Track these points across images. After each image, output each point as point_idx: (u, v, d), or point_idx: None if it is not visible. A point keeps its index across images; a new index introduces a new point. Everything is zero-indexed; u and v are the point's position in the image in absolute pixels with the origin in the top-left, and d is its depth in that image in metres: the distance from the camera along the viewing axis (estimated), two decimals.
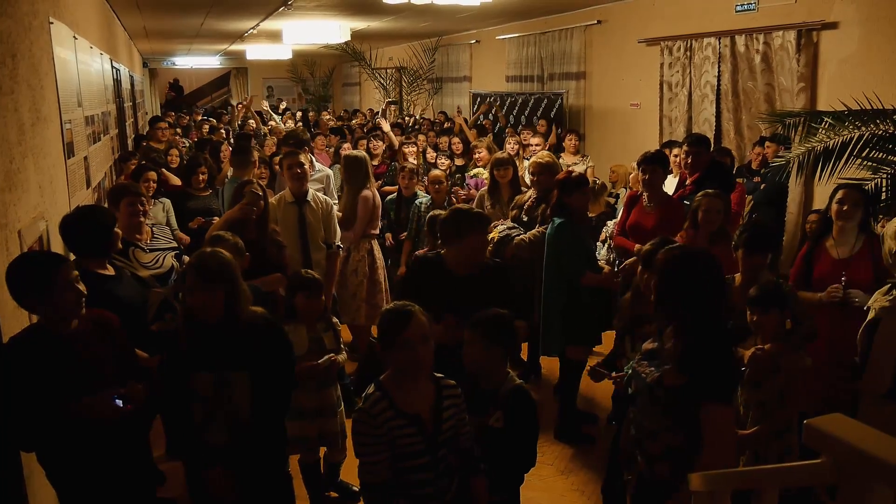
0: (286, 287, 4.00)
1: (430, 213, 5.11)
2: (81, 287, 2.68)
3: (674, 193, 5.39)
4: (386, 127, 8.94)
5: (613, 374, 3.45)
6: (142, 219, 4.02)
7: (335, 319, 3.99)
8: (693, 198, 4.70)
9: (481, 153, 7.38)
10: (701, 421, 2.52)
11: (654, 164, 4.79)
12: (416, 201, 6.04)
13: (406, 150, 7.69)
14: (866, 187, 4.64)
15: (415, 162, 7.36)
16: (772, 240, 3.74)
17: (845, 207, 3.88)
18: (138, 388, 2.73)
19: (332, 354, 3.72)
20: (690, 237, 4.32)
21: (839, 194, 3.94)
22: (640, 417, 2.77)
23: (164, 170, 6.57)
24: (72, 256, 3.35)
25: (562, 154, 8.32)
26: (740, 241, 3.69)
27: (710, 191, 4.43)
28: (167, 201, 5.79)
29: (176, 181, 6.49)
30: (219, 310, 2.80)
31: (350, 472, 4.06)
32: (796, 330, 3.44)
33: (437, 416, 2.63)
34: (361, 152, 6.15)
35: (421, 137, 9.55)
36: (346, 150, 7.64)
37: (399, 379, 2.61)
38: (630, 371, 2.90)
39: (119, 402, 2.65)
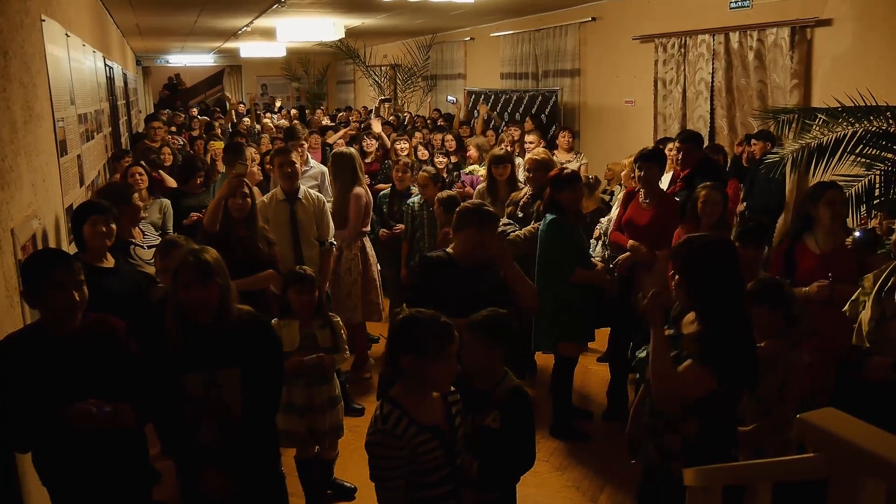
0: (281, 283, 3.98)
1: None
2: (84, 291, 2.66)
3: (667, 189, 5.41)
4: (377, 128, 8.96)
5: None
6: (144, 214, 3.92)
7: (336, 318, 3.95)
8: (683, 194, 4.70)
9: (470, 151, 7.40)
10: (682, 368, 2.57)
11: (651, 162, 4.79)
12: (409, 200, 6.02)
13: (398, 147, 7.68)
14: (860, 183, 4.65)
15: (409, 158, 7.37)
16: (765, 233, 3.75)
17: (837, 208, 3.89)
18: (127, 410, 2.66)
19: (320, 353, 3.70)
20: (692, 230, 4.33)
21: (829, 195, 3.92)
22: (658, 405, 2.79)
23: (161, 171, 6.56)
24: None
25: (555, 151, 8.33)
26: (734, 236, 3.71)
27: (709, 183, 4.44)
28: (167, 202, 5.76)
29: (171, 182, 6.49)
30: (214, 307, 2.79)
31: (342, 470, 4.08)
32: (795, 328, 3.45)
33: (451, 424, 2.61)
34: (350, 149, 6.09)
35: (417, 135, 9.54)
36: (331, 137, 7.64)
37: (413, 392, 2.53)
38: (645, 355, 2.93)
39: (107, 409, 2.60)
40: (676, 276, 2.77)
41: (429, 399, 2.57)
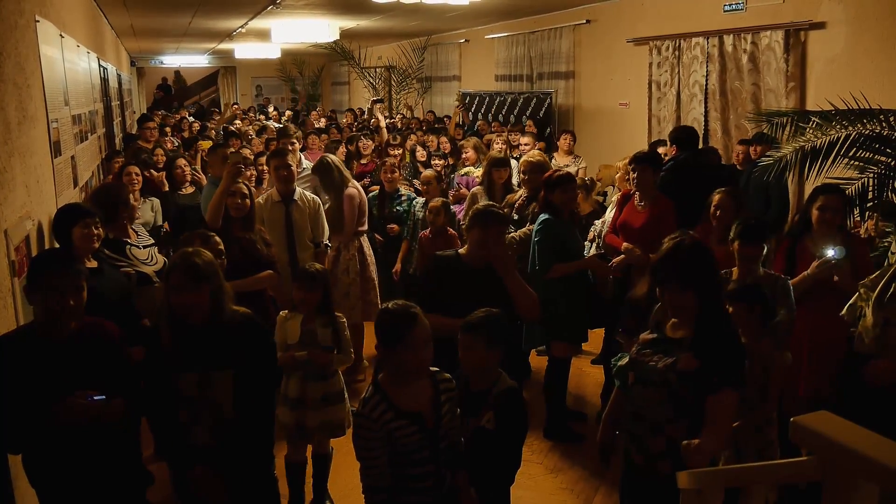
0: (279, 284, 4.02)
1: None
2: (82, 296, 2.66)
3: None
4: (382, 122, 9.05)
5: None
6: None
7: (343, 319, 3.95)
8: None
9: (468, 153, 7.40)
10: (708, 403, 2.57)
11: (644, 164, 4.80)
12: (412, 202, 6.02)
13: (392, 151, 7.70)
14: (853, 186, 4.67)
15: (401, 161, 7.41)
16: (765, 232, 3.76)
17: (827, 215, 3.89)
18: (117, 403, 2.66)
19: (314, 350, 3.72)
20: (707, 231, 4.35)
21: (820, 201, 3.93)
22: (640, 410, 2.79)
23: (152, 171, 6.56)
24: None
25: (554, 154, 8.35)
26: (735, 234, 3.73)
27: (723, 188, 4.46)
28: (156, 201, 5.79)
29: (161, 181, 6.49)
30: (205, 309, 2.78)
31: (334, 472, 4.07)
32: (778, 327, 3.49)
33: (437, 411, 2.68)
34: (330, 156, 6.00)
35: (412, 137, 9.55)
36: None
37: (397, 378, 2.63)
38: (625, 362, 2.93)
39: (98, 398, 2.60)
40: (671, 285, 2.74)
41: (413, 385, 2.64)
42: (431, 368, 2.72)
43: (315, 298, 3.84)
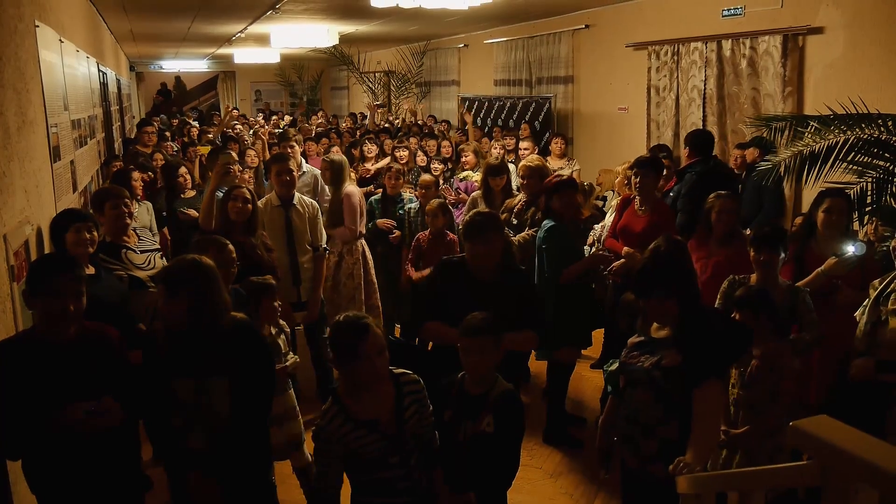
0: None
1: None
2: (82, 301, 2.66)
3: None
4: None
5: None
6: (128, 220, 3.92)
7: (283, 322, 3.97)
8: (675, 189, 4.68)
9: (468, 157, 7.40)
10: (695, 395, 2.60)
11: (646, 168, 4.81)
12: (406, 206, 6.01)
13: (398, 154, 7.71)
14: (852, 191, 4.67)
15: (408, 165, 7.42)
16: (781, 238, 3.77)
17: (833, 217, 3.91)
18: (112, 405, 2.66)
19: (294, 358, 3.71)
20: (705, 238, 4.35)
21: (826, 203, 3.95)
22: (633, 413, 2.80)
23: (150, 173, 6.55)
24: None
25: (548, 158, 8.35)
26: (750, 241, 3.75)
27: (722, 192, 4.45)
28: (149, 204, 5.78)
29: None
30: (182, 317, 2.76)
31: None
32: (797, 341, 3.53)
33: (399, 415, 2.66)
34: (341, 156, 6.11)
35: (412, 140, 9.56)
36: (336, 152, 7.71)
37: (354, 388, 2.64)
38: (615, 367, 2.95)
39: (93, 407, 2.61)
40: (654, 296, 2.75)
41: (370, 393, 2.64)
42: (396, 370, 2.72)
43: (275, 309, 3.80)
